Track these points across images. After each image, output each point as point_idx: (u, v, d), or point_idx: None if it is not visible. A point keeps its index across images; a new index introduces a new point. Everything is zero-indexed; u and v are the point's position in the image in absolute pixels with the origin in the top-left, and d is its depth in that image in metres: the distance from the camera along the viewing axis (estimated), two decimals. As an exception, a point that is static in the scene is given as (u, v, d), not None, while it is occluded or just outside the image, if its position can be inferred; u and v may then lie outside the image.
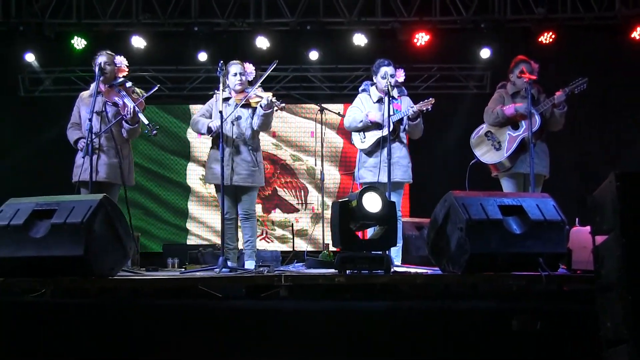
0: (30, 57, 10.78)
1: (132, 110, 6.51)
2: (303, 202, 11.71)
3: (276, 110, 6.69)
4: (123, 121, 6.63)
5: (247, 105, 6.73)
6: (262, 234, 11.44)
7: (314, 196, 11.61)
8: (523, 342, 4.67)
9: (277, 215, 11.71)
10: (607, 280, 4.20)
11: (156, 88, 6.69)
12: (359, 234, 5.86)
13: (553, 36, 10.17)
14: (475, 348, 4.74)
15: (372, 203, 5.35)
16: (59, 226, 4.94)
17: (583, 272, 5.34)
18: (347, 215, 5.43)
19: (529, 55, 7.12)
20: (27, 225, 5.01)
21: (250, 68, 6.92)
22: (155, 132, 6.45)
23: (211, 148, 6.93)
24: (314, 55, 10.96)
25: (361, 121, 6.82)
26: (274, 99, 6.56)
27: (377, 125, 6.76)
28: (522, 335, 4.66)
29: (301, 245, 10.95)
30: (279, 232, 11.66)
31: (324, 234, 8.84)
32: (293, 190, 11.72)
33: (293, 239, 10.36)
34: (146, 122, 6.48)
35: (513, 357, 4.71)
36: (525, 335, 4.66)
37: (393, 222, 5.61)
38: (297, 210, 11.70)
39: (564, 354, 4.64)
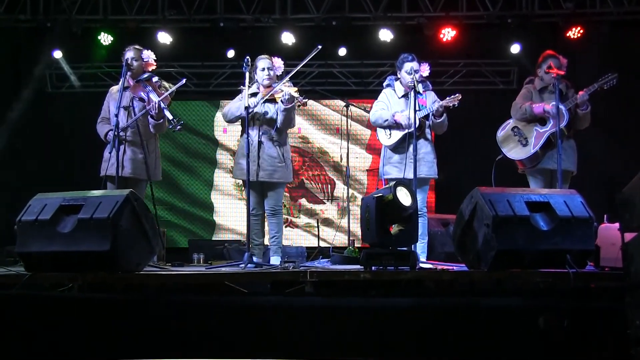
0: (58, 54, 10.86)
1: (157, 105, 6.54)
2: (329, 196, 11.72)
3: (298, 106, 6.65)
4: (149, 116, 6.67)
5: (273, 100, 6.71)
6: (286, 222, 11.45)
7: (339, 189, 11.61)
8: (550, 339, 4.62)
9: (303, 204, 11.76)
10: (637, 278, 4.15)
11: (183, 82, 6.69)
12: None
13: (581, 31, 10.09)
14: (501, 345, 4.71)
15: (404, 197, 5.35)
16: (86, 221, 4.97)
17: (611, 269, 5.29)
18: (382, 210, 5.42)
19: (557, 51, 7.06)
20: (55, 220, 5.05)
21: (278, 62, 6.87)
22: (179, 127, 6.47)
23: (239, 143, 6.92)
24: (342, 51, 10.98)
25: (386, 120, 6.77)
26: (295, 94, 6.51)
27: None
28: (549, 333, 4.62)
29: (327, 235, 10.95)
30: (303, 219, 11.68)
31: (349, 230, 8.83)
32: (320, 184, 11.73)
33: (318, 235, 10.35)
34: (170, 117, 6.50)
35: (540, 354, 4.67)
36: (552, 333, 4.62)
37: (415, 218, 5.60)
38: (323, 203, 11.71)
39: (592, 352, 4.59)
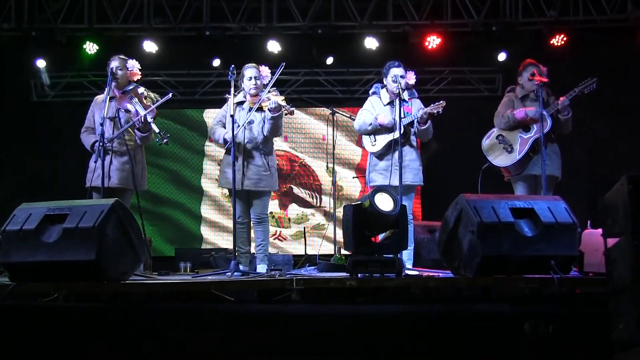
0: (41, 63, 10.82)
1: (143, 119, 6.54)
2: (319, 200, 11.73)
3: (285, 115, 6.66)
4: (135, 129, 6.67)
5: (260, 109, 6.72)
6: (275, 234, 11.47)
7: (328, 195, 11.61)
8: (535, 345, 4.64)
9: (293, 208, 11.75)
10: (620, 283, 4.18)
11: (169, 96, 6.66)
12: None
13: (565, 39, 10.16)
14: (487, 351, 4.72)
15: (384, 203, 5.34)
16: (71, 231, 4.94)
17: (595, 274, 5.32)
18: (360, 217, 5.43)
19: (541, 58, 7.12)
20: (40, 230, 5.01)
21: (265, 71, 6.87)
22: (166, 140, 6.44)
23: (225, 152, 6.91)
24: (329, 60, 11.02)
25: (371, 124, 6.81)
26: (282, 102, 6.53)
27: (388, 128, 6.75)
28: (534, 339, 4.64)
29: (315, 243, 10.97)
30: (293, 229, 11.67)
31: (335, 237, 8.84)
32: (308, 191, 11.74)
33: (305, 243, 10.37)
34: (157, 130, 6.47)
35: (525, 360, 4.70)
36: (537, 338, 4.64)
37: (404, 224, 5.60)
38: (314, 207, 11.73)
39: (577, 357, 4.62)
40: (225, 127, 6.82)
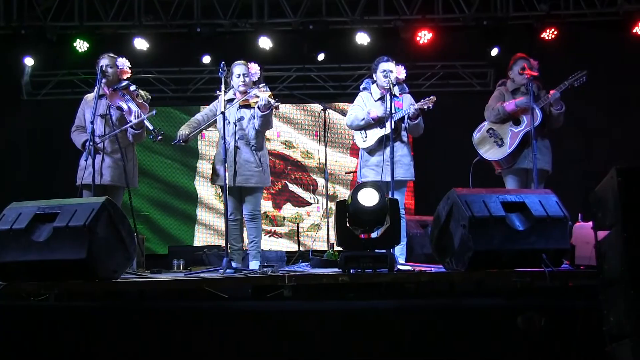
0: (29, 62, 10.76)
1: (137, 115, 6.52)
2: (314, 196, 11.71)
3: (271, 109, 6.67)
4: (128, 126, 6.65)
5: (248, 105, 6.72)
6: (270, 232, 11.46)
7: (322, 191, 11.59)
8: (528, 338, 4.65)
9: (287, 209, 11.72)
10: (610, 276, 4.19)
11: (154, 113, 6.61)
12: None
13: (555, 32, 10.18)
14: (480, 345, 4.73)
15: (368, 198, 5.32)
16: (62, 229, 4.92)
17: (586, 267, 5.34)
18: (344, 213, 5.43)
19: (532, 52, 7.13)
20: (30, 229, 4.99)
21: (254, 68, 6.89)
22: (160, 137, 6.45)
23: (217, 150, 6.91)
24: (321, 57, 10.99)
25: (363, 119, 6.79)
26: (270, 99, 6.54)
27: (379, 123, 6.75)
28: (527, 332, 4.65)
29: (309, 240, 10.96)
30: (288, 227, 11.65)
31: (328, 233, 8.83)
32: (304, 186, 11.72)
33: (298, 238, 10.36)
34: (151, 127, 6.48)
35: (518, 353, 4.70)
36: (530, 331, 4.65)
37: (396, 220, 5.58)
38: (309, 204, 11.71)
39: (569, 349, 4.63)
40: (196, 126, 6.83)
